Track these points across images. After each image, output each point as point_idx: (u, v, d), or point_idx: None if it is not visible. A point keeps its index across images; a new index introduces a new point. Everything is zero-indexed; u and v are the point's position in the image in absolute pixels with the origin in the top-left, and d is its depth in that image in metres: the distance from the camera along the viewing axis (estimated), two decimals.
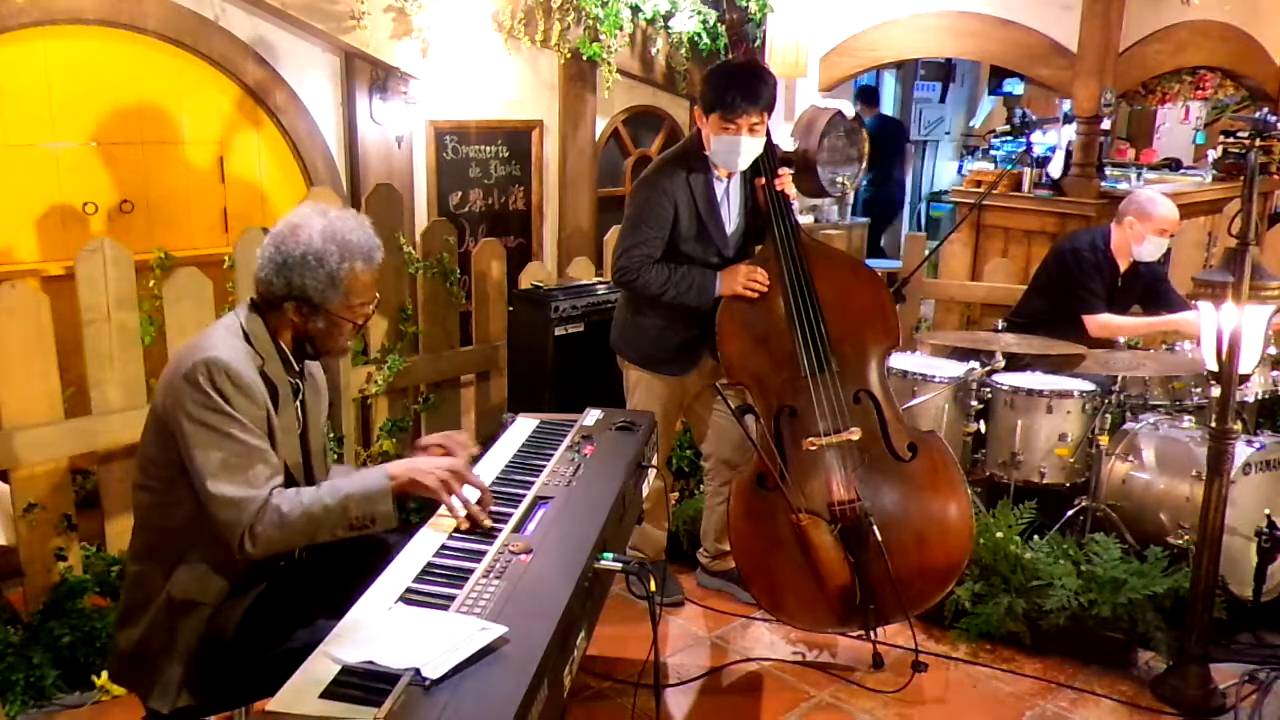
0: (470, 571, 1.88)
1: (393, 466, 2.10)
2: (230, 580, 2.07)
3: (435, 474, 2.09)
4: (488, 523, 2.07)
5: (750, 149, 3.09)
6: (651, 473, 2.64)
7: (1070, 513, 3.67)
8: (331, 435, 3.73)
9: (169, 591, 2.04)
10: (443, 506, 2.11)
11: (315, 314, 2.09)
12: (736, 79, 3.07)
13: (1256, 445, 3.46)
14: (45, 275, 3.82)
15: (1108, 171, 6.52)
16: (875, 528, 3.00)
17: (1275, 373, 3.79)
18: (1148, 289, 4.27)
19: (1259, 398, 3.81)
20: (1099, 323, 4.07)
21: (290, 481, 2.10)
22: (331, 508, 2.00)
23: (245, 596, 2.08)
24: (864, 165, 4.26)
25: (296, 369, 2.17)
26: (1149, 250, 4.08)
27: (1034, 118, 7.49)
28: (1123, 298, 4.22)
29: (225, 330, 2.07)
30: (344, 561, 2.30)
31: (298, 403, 2.18)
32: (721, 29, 5.44)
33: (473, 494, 2.12)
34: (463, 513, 2.07)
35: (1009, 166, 6.97)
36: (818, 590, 3.03)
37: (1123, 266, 4.15)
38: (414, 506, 2.84)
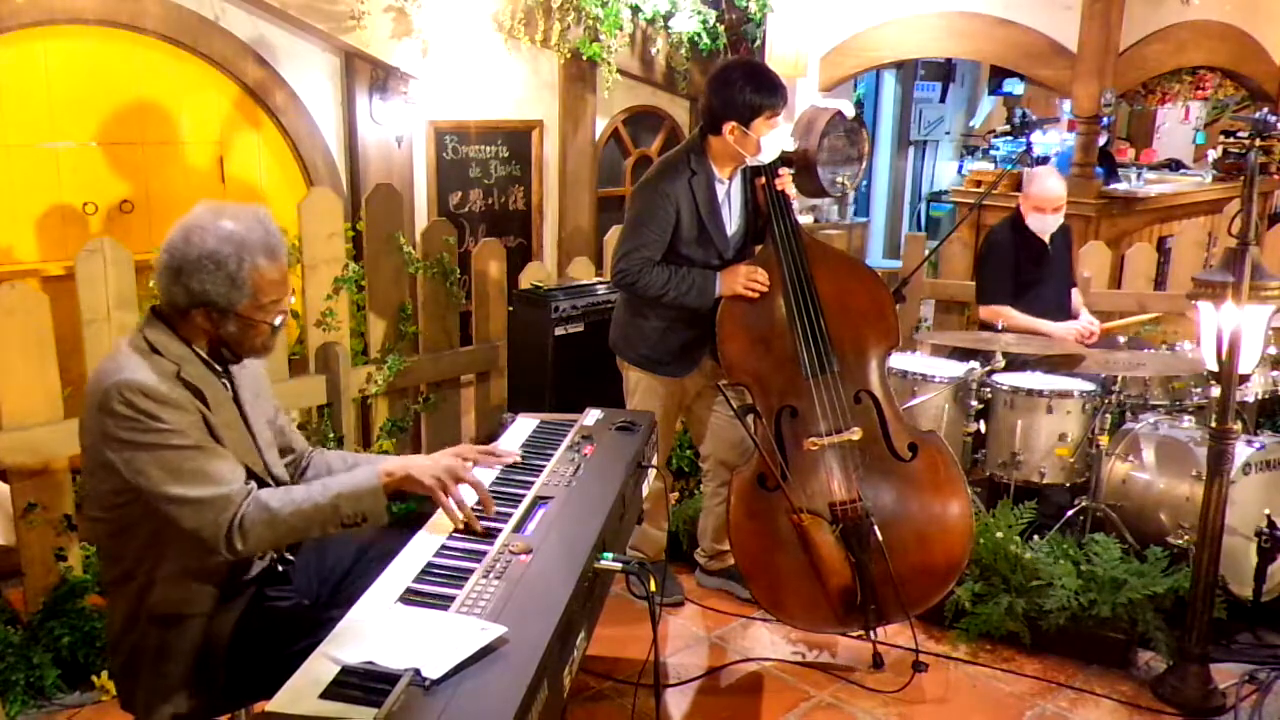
0: (470, 571, 1.87)
1: (389, 463, 2.09)
2: (215, 587, 2.03)
3: (432, 471, 2.07)
4: (479, 528, 2.05)
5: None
6: (651, 473, 2.64)
7: (1070, 513, 3.67)
8: (331, 436, 3.73)
9: (151, 609, 2.01)
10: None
11: (225, 318, 2.00)
12: (762, 78, 3.08)
13: (1256, 445, 3.46)
14: (45, 275, 3.82)
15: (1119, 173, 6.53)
16: (876, 527, 3.00)
17: (1275, 373, 3.80)
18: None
19: (1259, 398, 3.81)
20: (990, 310, 4.18)
21: (249, 473, 2.04)
22: (323, 505, 1.98)
23: (235, 602, 2.06)
24: (864, 165, 4.26)
25: (219, 369, 2.09)
26: (1034, 225, 4.22)
27: (1034, 118, 7.50)
28: (1056, 262, 4.32)
29: (129, 349, 1.98)
30: (340, 562, 2.30)
31: (231, 401, 2.10)
32: (721, 29, 5.45)
33: (470, 495, 2.11)
34: (459, 514, 2.05)
35: (1009, 166, 6.98)
36: (818, 590, 3.03)
37: (1045, 237, 4.26)
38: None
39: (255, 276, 1.97)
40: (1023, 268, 4.22)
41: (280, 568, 2.20)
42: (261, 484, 2.09)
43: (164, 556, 1.99)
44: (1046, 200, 4.16)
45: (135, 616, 2.02)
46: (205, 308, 1.98)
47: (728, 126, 3.08)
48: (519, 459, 2.40)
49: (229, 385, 2.12)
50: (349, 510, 2.00)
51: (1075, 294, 4.41)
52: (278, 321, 2.06)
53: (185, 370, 1.99)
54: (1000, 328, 4.05)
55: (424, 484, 2.06)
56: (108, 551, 2.07)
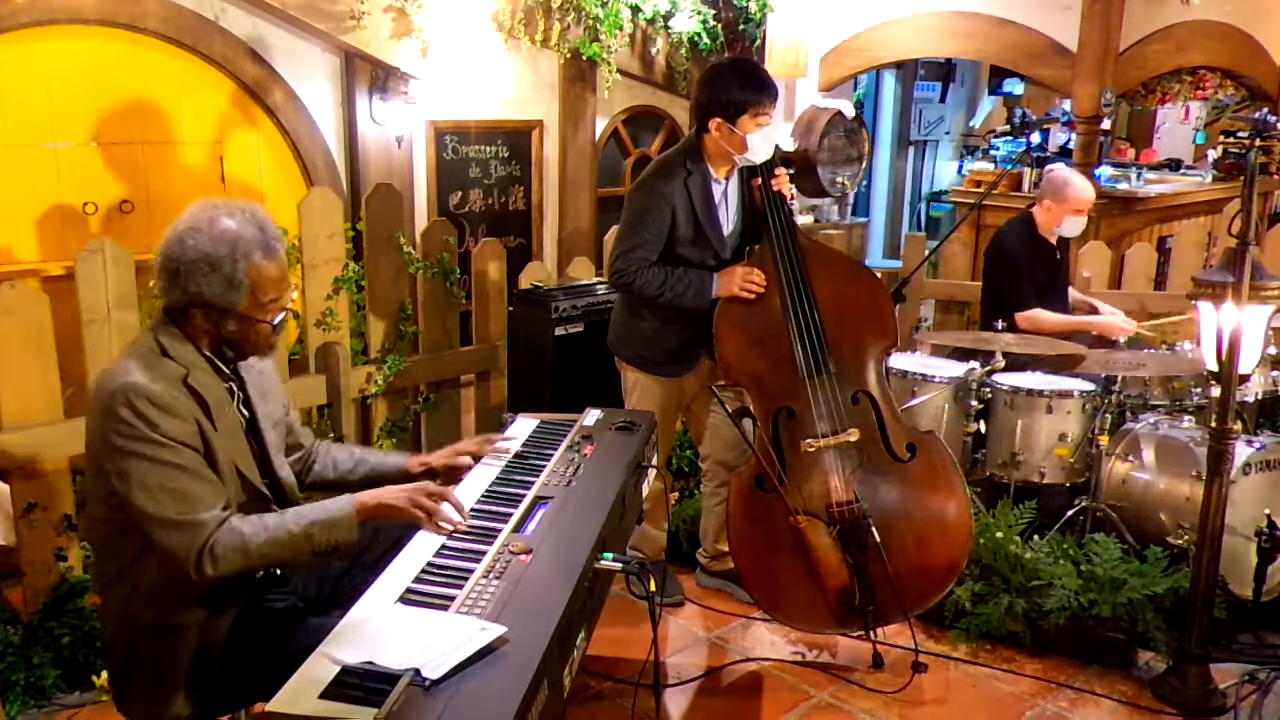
0: (470, 572, 1.88)
1: (363, 495, 2.08)
2: (208, 594, 2.02)
3: (407, 495, 2.07)
4: (464, 520, 2.06)
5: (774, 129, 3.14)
6: (651, 473, 2.64)
7: (1070, 513, 3.67)
8: (331, 435, 3.73)
9: (144, 618, 2.00)
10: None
11: (225, 318, 2.00)
12: (749, 75, 3.08)
13: (1256, 445, 3.46)
14: (45, 275, 3.82)
15: (1109, 171, 6.54)
16: (874, 529, 3.00)
17: (1275, 373, 3.80)
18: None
19: (1259, 398, 3.81)
20: (1027, 317, 4.15)
21: (244, 483, 2.05)
22: (295, 534, 1.97)
23: (230, 608, 2.05)
24: (864, 165, 4.27)
25: (227, 372, 2.09)
26: (1069, 229, 4.23)
27: (1034, 118, 7.50)
28: (1063, 263, 4.32)
29: (140, 351, 1.98)
30: (339, 563, 2.29)
31: (235, 405, 2.10)
32: (720, 28, 5.45)
33: (449, 511, 2.10)
34: (446, 528, 2.04)
35: (1009, 166, 6.98)
36: (817, 591, 3.03)
37: (1055, 241, 4.26)
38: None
39: (253, 275, 1.98)
40: (1038, 273, 4.20)
41: (278, 571, 2.19)
42: (267, 489, 2.10)
43: (155, 565, 1.98)
44: (1085, 201, 4.16)
45: (127, 621, 2.02)
46: (204, 309, 1.99)
47: (713, 123, 3.08)
48: (518, 450, 2.44)
49: (236, 389, 2.11)
50: (322, 539, 1.99)
51: (1072, 291, 4.41)
52: (279, 319, 2.06)
53: (192, 376, 1.99)
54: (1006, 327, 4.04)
55: (400, 508, 2.06)
56: (104, 550, 2.07)
